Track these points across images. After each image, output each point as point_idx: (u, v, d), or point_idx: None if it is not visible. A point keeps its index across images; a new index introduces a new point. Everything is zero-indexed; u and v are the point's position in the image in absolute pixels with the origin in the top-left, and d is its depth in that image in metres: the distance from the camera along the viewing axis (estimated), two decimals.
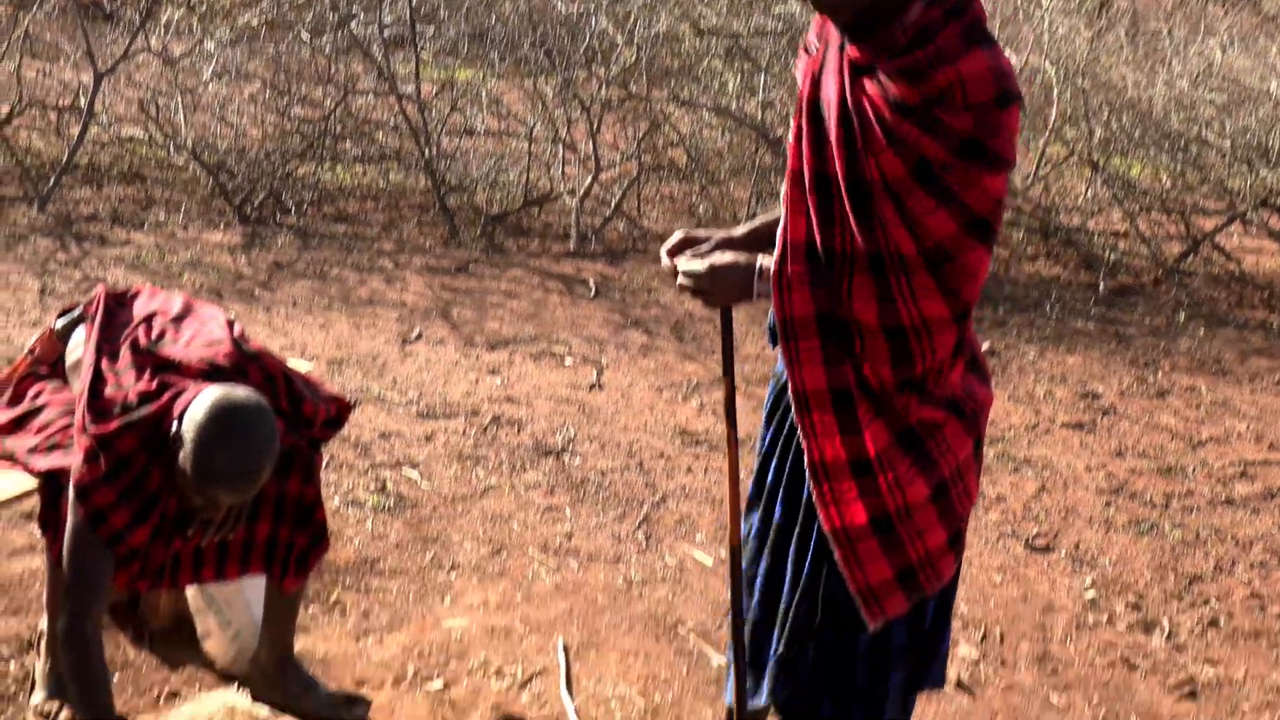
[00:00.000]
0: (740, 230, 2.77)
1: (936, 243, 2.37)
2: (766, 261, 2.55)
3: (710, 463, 5.40)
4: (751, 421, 4.89)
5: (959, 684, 4.01)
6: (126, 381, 3.06)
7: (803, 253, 2.49)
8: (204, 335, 3.27)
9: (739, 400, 3.14)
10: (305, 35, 9.06)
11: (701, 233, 2.77)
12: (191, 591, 3.79)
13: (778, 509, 2.76)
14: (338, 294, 7.09)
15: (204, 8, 9.17)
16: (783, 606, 2.76)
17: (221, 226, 8.08)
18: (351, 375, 6.00)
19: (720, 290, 2.63)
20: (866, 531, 2.55)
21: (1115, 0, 11.54)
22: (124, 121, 9.29)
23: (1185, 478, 5.62)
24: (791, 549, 2.73)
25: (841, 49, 2.44)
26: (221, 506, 3.04)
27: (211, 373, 3.11)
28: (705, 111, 8.90)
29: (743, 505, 2.87)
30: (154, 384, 3.03)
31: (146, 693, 3.67)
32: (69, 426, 3.22)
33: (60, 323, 3.54)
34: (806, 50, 2.57)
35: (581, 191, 8.46)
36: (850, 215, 2.40)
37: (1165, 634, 4.39)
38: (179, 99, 8.92)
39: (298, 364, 3.81)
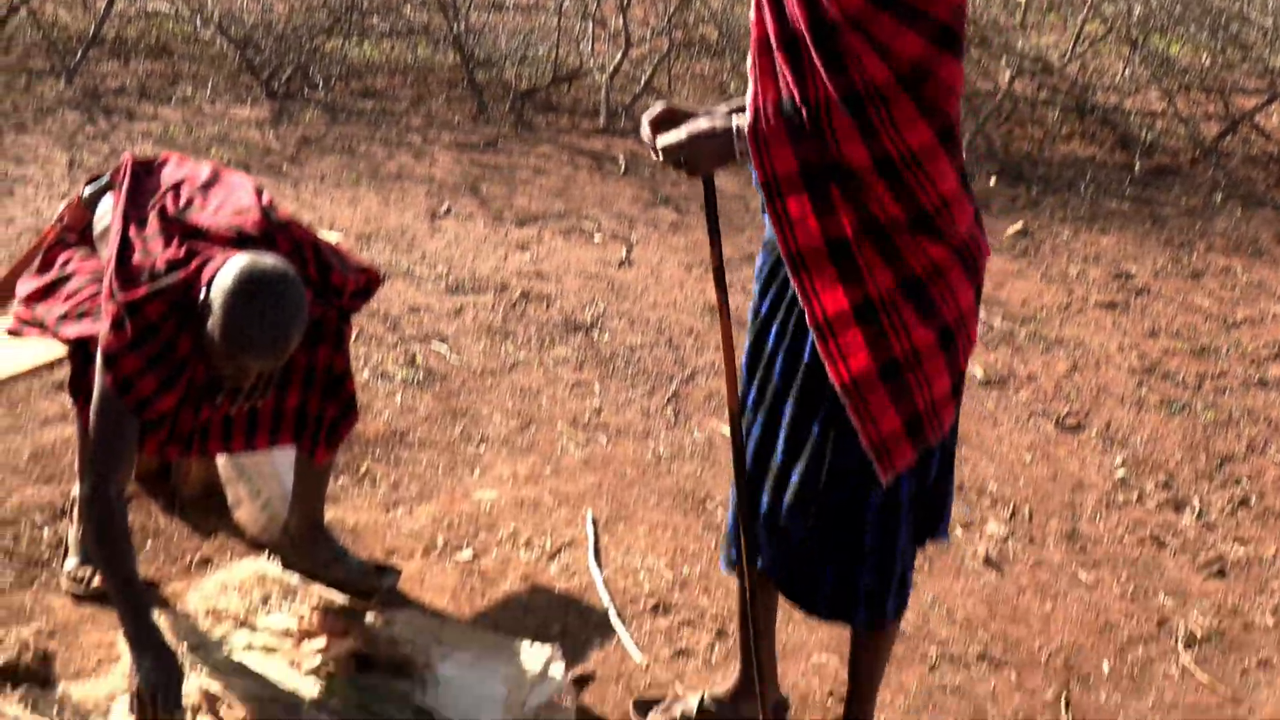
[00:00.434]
0: (722, 108, 2.74)
1: (911, 64, 2.37)
2: (743, 121, 2.53)
3: (739, 339, 5.36)
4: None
5: (987, 560, 4.02)
6: (154, 249, 3.04)
7: (775, 109, 2.48)
8: (232, 203, 3.24)
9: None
10: None
11: (685, 108, 2.74)
12: (222, 461, 3.81)
13: (776, 373, 2.76)
14: (366, 169, 7.05)
15: None
16: (774, 469, 2.76)
17: (249, 102, 8.03)
18: (380, 250, 5.98)
19: (701, 157, 2.59)
20: (875, 381, 2.55)
21: None
22: None
23: (1218, 358, 5.57)
24: (786, 413, 2.73)
25: None
26: (250, 374, 3.02)
27: (240, 240, 3.08)
28: None
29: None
30: (182, 251, 3.00)
31: (178, 560, 3.71)
32: (97, 294, 3.21)
33: (88, 190, 3.51)
34: None
35: (611, 68, 8.35)
36: (820, 65, 2.40)
37: (1195, 513, 4.38)
38: None
39: (327, 235, 3.78)
